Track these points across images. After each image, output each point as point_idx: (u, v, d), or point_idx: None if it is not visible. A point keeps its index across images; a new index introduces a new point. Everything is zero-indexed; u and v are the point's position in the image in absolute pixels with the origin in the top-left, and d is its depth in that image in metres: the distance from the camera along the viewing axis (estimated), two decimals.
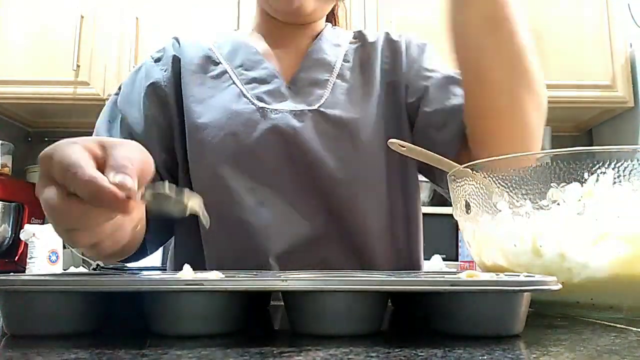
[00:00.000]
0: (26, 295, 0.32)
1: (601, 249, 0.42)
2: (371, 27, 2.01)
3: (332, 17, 0.87)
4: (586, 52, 1.98)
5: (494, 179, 0.48)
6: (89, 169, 0.36)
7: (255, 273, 0.43)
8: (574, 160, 0.44)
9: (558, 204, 0.44)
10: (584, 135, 2.31)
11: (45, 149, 0.39)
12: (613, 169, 0.42)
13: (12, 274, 0.35)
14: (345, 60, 0.76)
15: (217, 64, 0.74)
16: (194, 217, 0.42)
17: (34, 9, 2.00)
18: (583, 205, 0.43)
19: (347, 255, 0.69)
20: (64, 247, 1.63)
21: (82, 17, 1.98)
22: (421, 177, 0.78)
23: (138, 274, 0.48)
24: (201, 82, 0.72)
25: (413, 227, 0.76)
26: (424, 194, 1.98)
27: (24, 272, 1.65)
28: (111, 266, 2.04)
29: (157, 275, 0.44)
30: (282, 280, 0.31)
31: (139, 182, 0.37)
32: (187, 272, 0.35)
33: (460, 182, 0.52)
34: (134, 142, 0.43)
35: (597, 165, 0.43)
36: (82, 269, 1.77)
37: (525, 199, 0.46)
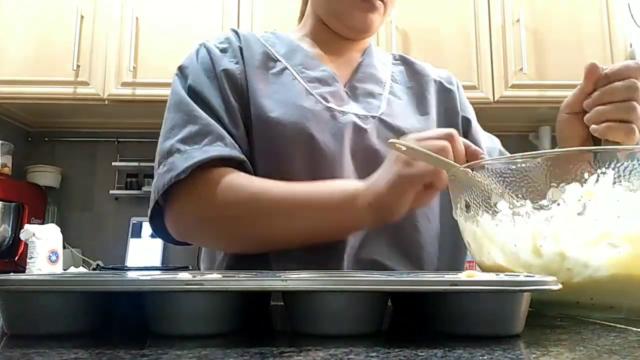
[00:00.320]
0: (26, 295, 0.32)
1: (601, 249, 0.42)
2: None
3: None
4: (586, 52, 1.98)
5: (494, 179, 0.48)
6: None
7: (255, 273, 0.43)
8: (574, 160, 0.44)
9: (558, 204, 0.44)
10: None
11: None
12: (613, 169, 0.42)
13: (12, 274, 0.35)
14: (393, 80, 0.81)
15: (275, 61, 0.75)
16: None
17: (34, 9, 2.00)
18: (583, 205, 0.43)
19: (395, 258, 0.70)
20: (64, 247, 1.64)
21: (82, 17, 1.98)
22: None
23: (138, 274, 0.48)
24: (264, 77, 0.73)
25: (459, 233, 0.77)
26: None
27: (24, 272, 1.65)
28: (111, 266, 2.04)
29: (157, 275, 0.44)
30: (282, 280, 0.31)
31: None
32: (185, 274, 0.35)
33: (460, 183, 0.52)
34: None
35: (597, 166, 0.43)
36: (82, 269, 1.77)
37: (525, 199, 0.46)
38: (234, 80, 0.71)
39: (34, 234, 1.46)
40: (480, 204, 0.49)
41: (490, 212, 0.48)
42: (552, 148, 1.70)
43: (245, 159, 0.68)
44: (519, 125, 2.23)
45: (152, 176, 2.53)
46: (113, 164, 2.21)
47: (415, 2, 2.01)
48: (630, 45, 2.01)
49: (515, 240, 0.46)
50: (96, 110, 2.11)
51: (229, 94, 0.70)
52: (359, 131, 0.71)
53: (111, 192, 2.21)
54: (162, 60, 1.97)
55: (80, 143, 2.29)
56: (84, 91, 1.95)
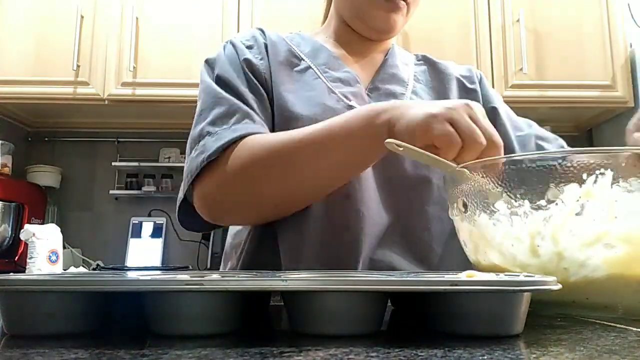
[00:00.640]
0: (26, 295, 0.32)
1: (598, 249, 0.42)
2: None
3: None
4: (586, 52, 1.99)
5: (492, 179, 0.48)
6: None
7: (255, 273, 0.43)
8: (572, 160, 0.44)
9: (556, 204, 0.44)
10: (583, 135, 2.31)
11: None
12: (612, 170, 0.42)
13: (12, 274, 0.35)
14: (416, 80, 0.81)
15: (300, 59, 0.77)
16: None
17: (34, 9, 2.00)
18: (581, 205, 0.43)
19: (408, 260, 0.70)
20: (64, 247, 1.63)
21: (82, 17, 1.98)
22: None
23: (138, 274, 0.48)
24: (288, 74, 0.74)
25: None
26: None
27: (24, 272, 1.65)
28: (111, 266, 2.04)
29: (157, 275, 0.44)
30: (282, 280, 0.31)
31: None
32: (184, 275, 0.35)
33: (456, 182, 0.52)
34: None
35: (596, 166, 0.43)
36: (82, 269, 1.77)
37: (523, 199, 0.46)
38: (257, 73, 0.73)
39: (34, 234, 1.46)
40: (478, 203, 0.49)
41: (488, 212, 0.48)
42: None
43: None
44: None
45: (152, 176, 2.52)
46: (113, 164, 2.21)
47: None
48: (630, 45, 2.01)
49: (512, 239, 0.46)
50: (96, 110, 2.11)
51: (256, 83, 0.72)
52: None
53: (111, 192, 2.21)
54: (162, 60, 1.97)
55: (80, 143, 2.29)
56: (84, 91, 1.95)
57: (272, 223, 0.70)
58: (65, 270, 1.63)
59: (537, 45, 2.00)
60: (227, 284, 0.31)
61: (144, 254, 2.13)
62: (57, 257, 1.52)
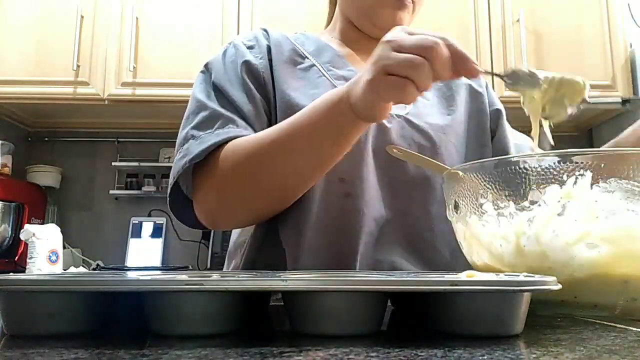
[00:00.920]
0: (26, 295, 0.32)
1: (581, 249, 0.42)
2: None
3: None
4: (586, 52, 1.99)
5: (480, 180, 0.48)
6: None
7: (255, 273, 0.43)
8: (552, 162, 0.44)
9: (539, 205, 0.45)
10: (583, 135, 2.31)
11: None
12: (591, 171, 0.43)
13: (12, 274, 0.35)
14: None
15: (304, 57, 0.77)
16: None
17: (34, 9, 2.00)
18: (562, 206, 0.43)
19: (409, 260, 0.70)
20: (64, 247, 1.64)
21: (82, 17, 1.98)
22: None
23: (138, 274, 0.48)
24: (292, 72, 0.74)
25: None
26: None
27: (24, 272, 1.65)
28: (111, 266, 2.04)
29: (157, 275, 0.44)
30: (282, 280, 0.31)
31: None
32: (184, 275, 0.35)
33: (450, 184, 0.53)
34: None
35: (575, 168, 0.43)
36: (82, 269, 1.77)
37: (508, 200, 0.46)
38: (255, 73, 0.73)
39: (34, 234, 1.46)
40: (469, 205, 0.50)
41: (478, 213, 0.49)
42: (552, 148, 1.70)
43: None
44: (518, 125, 2.22)
45: (152, 176, 2.51)
46: (113, 164, 2.21)
47: None
48: (630, 45, 2.01)
49: (500, 240, 0.47)
50: (96, 110, 2.11)
51: (251, 88, 0.72)
52: (382, 130, 0.72)
53: (111, 192, 2.21)
54: (162, 60, 1.97)
55: (80, 143, 2.29)
56: (84, 91, 1.95)
57: (275, 218, 0.70)
58: (65, 270, 1.63)
59: (537, 45, 2.00)
60: (227, 284, 0.31)
61: (144, 254, 2.13)
62: (57, 257, 1.52)
